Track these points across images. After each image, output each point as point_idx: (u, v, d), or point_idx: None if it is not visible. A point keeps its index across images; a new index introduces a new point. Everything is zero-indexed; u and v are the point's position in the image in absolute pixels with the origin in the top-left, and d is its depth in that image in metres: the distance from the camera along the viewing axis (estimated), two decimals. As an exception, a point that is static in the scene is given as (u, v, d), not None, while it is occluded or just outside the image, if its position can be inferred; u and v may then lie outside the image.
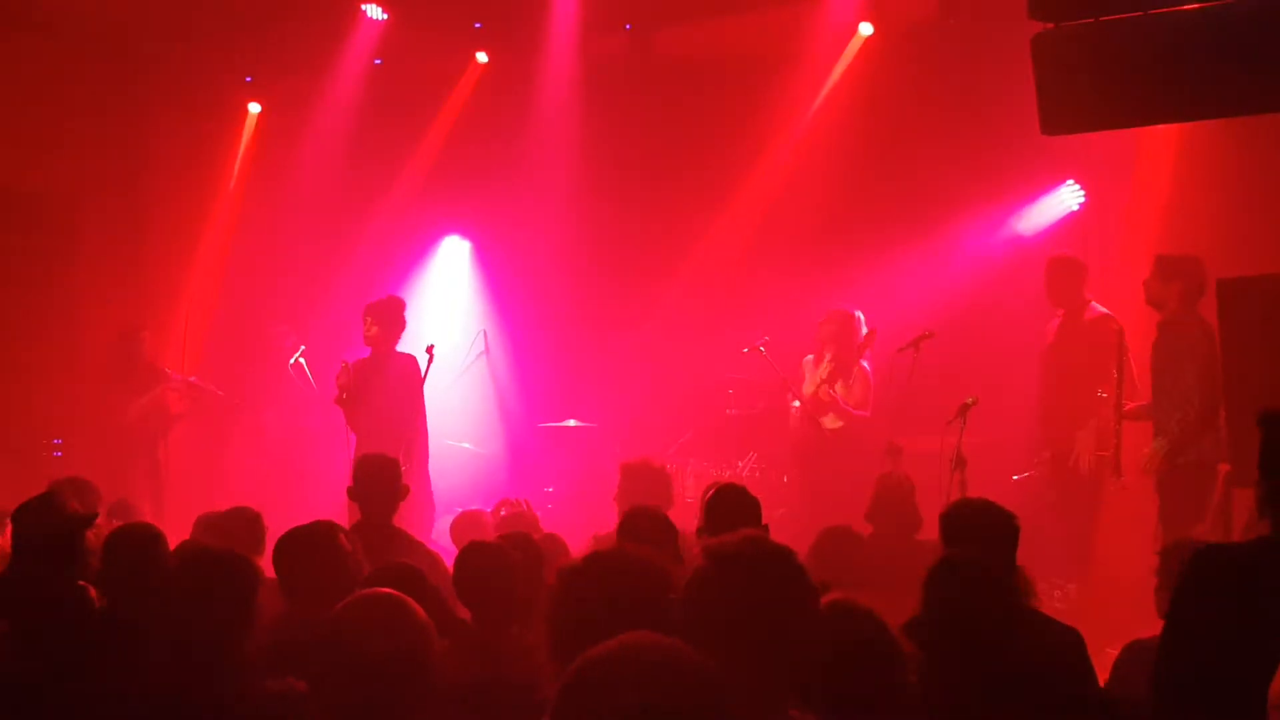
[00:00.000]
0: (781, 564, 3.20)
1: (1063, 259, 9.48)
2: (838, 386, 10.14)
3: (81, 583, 5.11)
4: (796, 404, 10.29)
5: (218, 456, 11.95)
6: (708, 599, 3.12)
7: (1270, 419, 4.22)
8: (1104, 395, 8.94)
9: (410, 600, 3.65)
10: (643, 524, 5.53)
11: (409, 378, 9.78)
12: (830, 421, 10.12)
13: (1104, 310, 9.22)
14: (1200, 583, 4.00)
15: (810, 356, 10.41)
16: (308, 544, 5.13)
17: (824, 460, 10.00)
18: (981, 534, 4.91)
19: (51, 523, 5.21)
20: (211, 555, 4.41)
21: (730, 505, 5.41)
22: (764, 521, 5.38)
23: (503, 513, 8.44)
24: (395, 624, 3.57)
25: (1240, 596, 3.81)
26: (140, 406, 11.24)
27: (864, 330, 10.19)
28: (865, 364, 10.17)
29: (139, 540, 5.31)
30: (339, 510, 8.75)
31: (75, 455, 10.98)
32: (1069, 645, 4.73)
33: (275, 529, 5.52)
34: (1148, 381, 8.50)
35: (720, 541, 3.28)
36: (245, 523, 6.60)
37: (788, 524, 8.96)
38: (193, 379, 11.48)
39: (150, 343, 11.46)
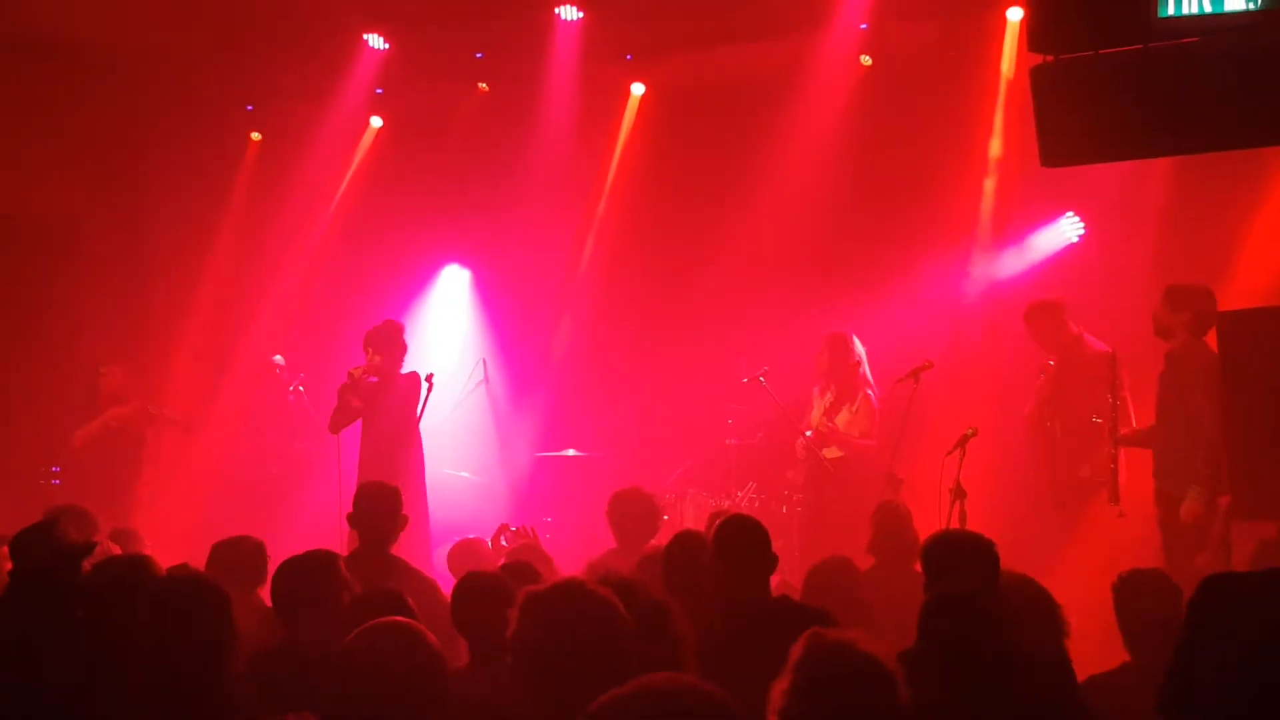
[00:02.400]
0: (582, 608, 3.34)
1: (1038, 306, 9.48)
2: (840, 416, 10.14)
3: (77, 614, 5.08)
4: (809, 434, 10.26)
5: (217, 483, 11.92)
6: (517, 640, 3.41)
7: None
8: (1098, 421, 8.94)
9: (423, 628, 3.66)
10: (687, 551, 5.57)
11: (409, 399, 9.80)
12: (830, 452, 10.12)
13: (1100, 344, 9.23)
14: (1208, 613, 3.99)
15: (817, 388, 10.42)
16: (305, 572, 5.12)
17: (827, 490, 9.99)
18: (962, 565, 4.90)
19: (50, 552, 5.17)
20: (180, 583, 4.40)
21: (742, 536, 5.42)
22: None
23: (503, 541, 8.43)
24: (408, 652, 3.57)
25: (1252, 626, 3.80)
26: (84, 434, 11.19)
27: (859, 350, 10.19)
28: (870, 391, 10.16)
29: (123, 571, 5.27)
30: (337, 537, 8.75)
31: (72, 483, 10.95)
32: (1060, 679, 4.72)
33: (276, 557, 5.51)
34: (1149, 409, 8.50)
35: (534, 588, 3.50)
36: (248, 551, 6.58)
37: (788, 555, 8.95)
38: (151, 407, 11.41)
39: (113, 375, 11.36)
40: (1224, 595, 3.88)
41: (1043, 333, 9.44)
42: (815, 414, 10.27)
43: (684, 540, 5.87)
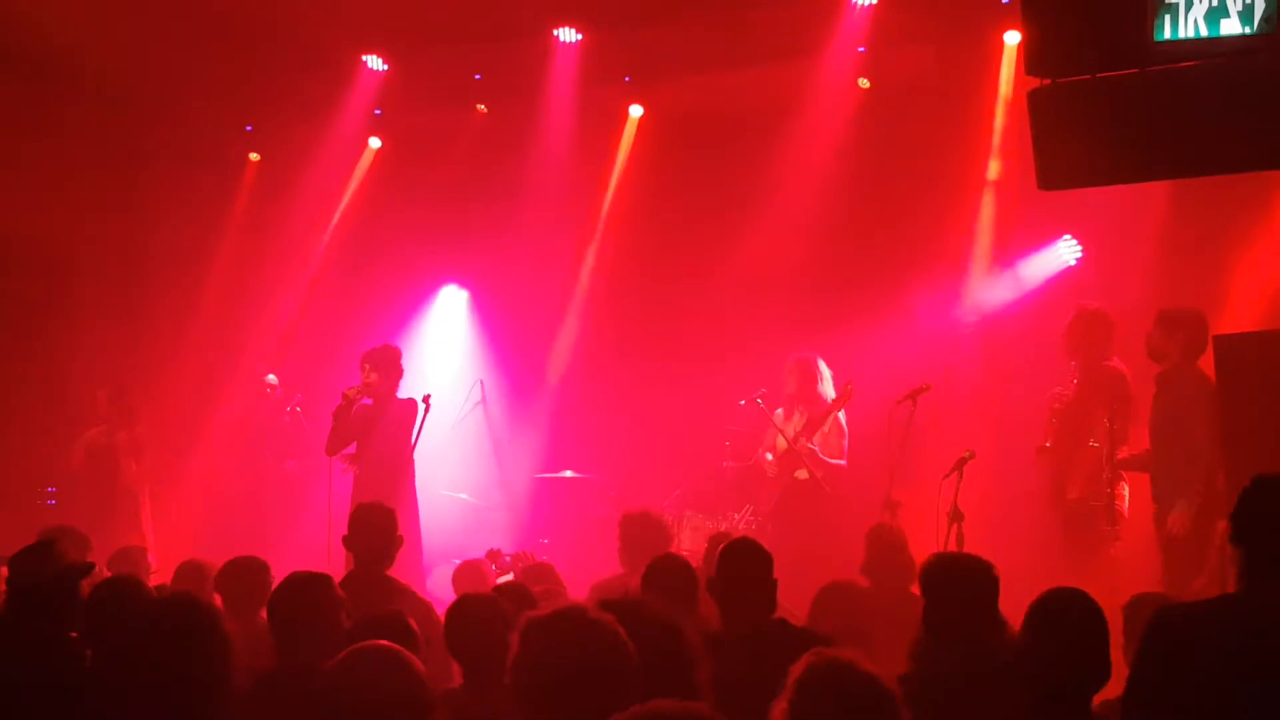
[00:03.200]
0: (582, 634, 3.39)
1: (1095, 313, 9.37)
2: (815, 438, 10.14)
3: (73, 634, 5.07)
4: (769, 457, 10.31)
5: (212, 503, 11.90)
6: (518, 666, 3.41)
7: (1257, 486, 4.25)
8: (1095, 445, 8.92)
9: (406, 652, 3.64)
10: (665, 573, 5.59)
11: (404, 424, 9.79)
12: (800, 473, 10.13)
13: (1116, 364, 9.15)
14: (1159, 642, 4.01)
15: (780, 410, 10.44)
16: (301, 594, 5.10)
17: (803, 512, 9.97)
18: (962, 587, 4.89)
19: (48, 572, 5.16)
20: (171, 603, 4.37)
21: (743, 559, 5.43)
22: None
23: (494, 566, 8.41)
24: (392, 676, 3.55)
25: (1198, 654, 3.80)
26: (71, 454, 11.23)
27: (824, 373, 10.21)
28: (840, 414, 10.17)
29: (119, 592, 5.26)
30: (328, 558, 8.73)
31: (66, 504, 10.95)
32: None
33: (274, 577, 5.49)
34: (1143, 432, 8.50)
35: (535, 614, 3.52)
36: (252, 571, 6.54)
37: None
38: (121, 435, 11.39)
39: (99, 400, 11.35)
40: (1175, 625, 3.89)
41: (1084, 338, 9.23)
42: (789, 432, 10.26)
43: (663, 563, 5.87)
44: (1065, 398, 9.35)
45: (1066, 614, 4.33)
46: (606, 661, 3.40)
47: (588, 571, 8.66)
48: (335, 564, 7.88)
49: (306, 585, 5.12)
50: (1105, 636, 4.28)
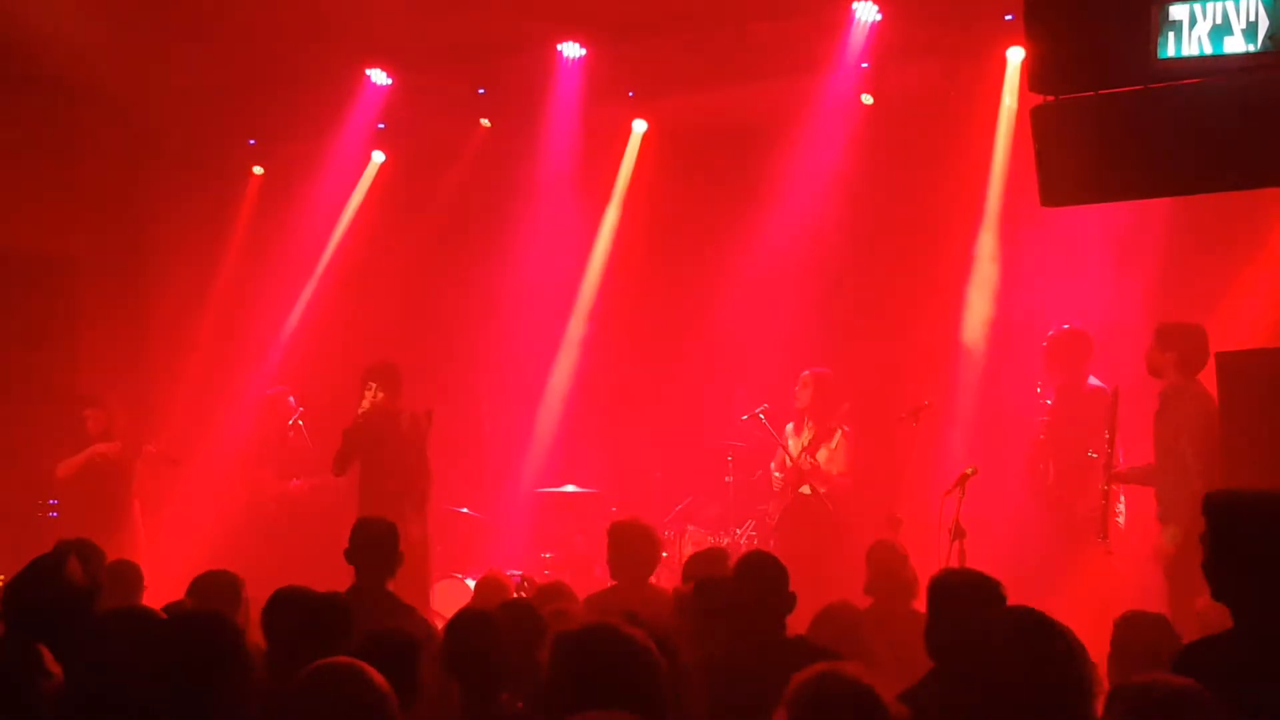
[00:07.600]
0: (616, 648, 3.40)
1: (1075, 334, 9.42)
2: (820, 454, 10.12)
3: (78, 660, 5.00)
4: (778, 475, 10.29)
5: (215, 516, 11.89)
6: (551, 682, 3.43)
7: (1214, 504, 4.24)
8: (1094, 455, 8.91)
9: (369, 669, 3.59)
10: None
11: (414, 439, 9.81)
12: (805, 488, 10.11)
13: (1099, 384, 9.20)
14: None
15: (790, 425, 10.42)
16: (309, 610, 5.07)
17: (806, 527, 9.96)
18: (969, 604, 4.87)
19: (54, 594, 5.03)
20: (187, 624, 4.33)
21: (760, 573, 5.43)
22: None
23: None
24: (350, 694, 3.51)
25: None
26: (67, 466, 11.15)
27: (837, 389, 10.22)
28: (847, 429, 10.16)
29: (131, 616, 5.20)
30: (336, 573, 8.70)
31: (63, 517, 10.94)
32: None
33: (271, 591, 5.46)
34: (1148, 447, 8.48)
35: (566, 628, 3.56)
36: (223, 586, 6.43)
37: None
38: (148, 445, 11.37)
39: (98, 419, 11.25)
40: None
41: (1064, 358, 9.35)
42: (794, 449, 10.25)
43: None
44: (1047, 424, 9.36)
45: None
46: (639, 676, 3.38)
47: (591, 586, 8.65)
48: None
49: (315, 602, 5.10)
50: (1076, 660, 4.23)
